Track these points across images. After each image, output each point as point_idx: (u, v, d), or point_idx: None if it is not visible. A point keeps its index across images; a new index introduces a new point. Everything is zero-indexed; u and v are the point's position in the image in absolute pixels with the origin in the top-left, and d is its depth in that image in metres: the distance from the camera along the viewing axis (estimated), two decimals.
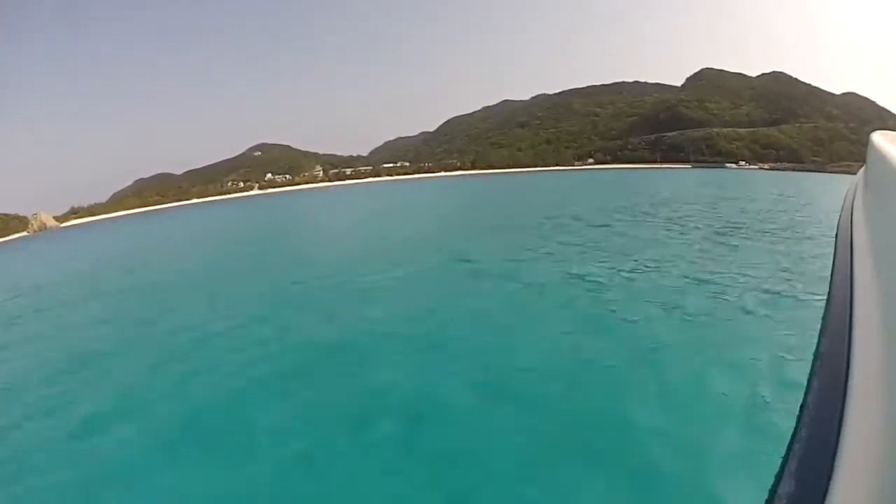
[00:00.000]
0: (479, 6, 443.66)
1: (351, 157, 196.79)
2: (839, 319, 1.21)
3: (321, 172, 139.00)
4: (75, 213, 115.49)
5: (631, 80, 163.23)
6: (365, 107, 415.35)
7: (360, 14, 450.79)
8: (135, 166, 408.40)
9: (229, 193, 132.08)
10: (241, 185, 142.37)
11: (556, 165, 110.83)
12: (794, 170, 74.99)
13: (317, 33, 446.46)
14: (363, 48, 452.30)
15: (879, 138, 2.46)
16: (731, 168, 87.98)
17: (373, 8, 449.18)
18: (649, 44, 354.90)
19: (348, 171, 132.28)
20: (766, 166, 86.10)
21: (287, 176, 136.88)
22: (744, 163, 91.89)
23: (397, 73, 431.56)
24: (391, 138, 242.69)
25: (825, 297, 1.56)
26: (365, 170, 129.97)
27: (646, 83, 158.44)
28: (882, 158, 1.78)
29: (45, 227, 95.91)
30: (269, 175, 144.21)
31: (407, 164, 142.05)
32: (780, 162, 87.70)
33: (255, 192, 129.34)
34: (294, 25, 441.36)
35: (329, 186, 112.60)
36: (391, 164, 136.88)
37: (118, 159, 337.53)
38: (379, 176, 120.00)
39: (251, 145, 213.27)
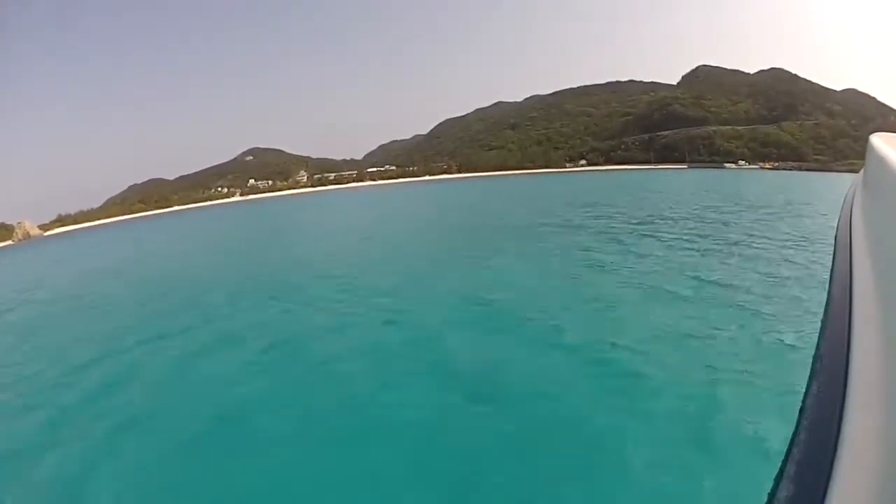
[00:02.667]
0: (474, 9, 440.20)
1: (345, 160, 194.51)
2: (838, 321, 1.19)
3: (305, 178, 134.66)
4: (61, 221, 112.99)
5: (626, 79, 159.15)
6: (360, 111, 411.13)
7: (356, 18, 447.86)
8: (130, 171, 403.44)
9: (211, 200, 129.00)
10: (226, 190, 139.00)
11: (546, 167, 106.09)
12: (799, 169, 70.03)
13: (311, 38, 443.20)
14: (359, 52, 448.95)
15: (878, 140, 2.44)
16: (729, 168, 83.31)
17: (368, 12, 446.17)
18: (646, 43, 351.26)
19: (331, 176, 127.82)
20: (767, 166, 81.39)
21: (269, 182, 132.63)
22: (743, 162, 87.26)
23: (393, 76, 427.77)
24: (386, 141, 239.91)
25: (825, 299, 1.54)
26: (348, 175, 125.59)
27: (641, 82, 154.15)
28: (881, 160, 1.79)
29: (29, 236, 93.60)
30: (251, 181, 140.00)
31: (394, 167, 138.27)
32: (782, 161, 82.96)
33: (237, 198, 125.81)
34: (288, 30, 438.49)
35: (308, 193, 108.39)
36: (374, 169, 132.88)
37: (114, 164, 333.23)
38: (362, 181, 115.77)
39: (244, 150, 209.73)
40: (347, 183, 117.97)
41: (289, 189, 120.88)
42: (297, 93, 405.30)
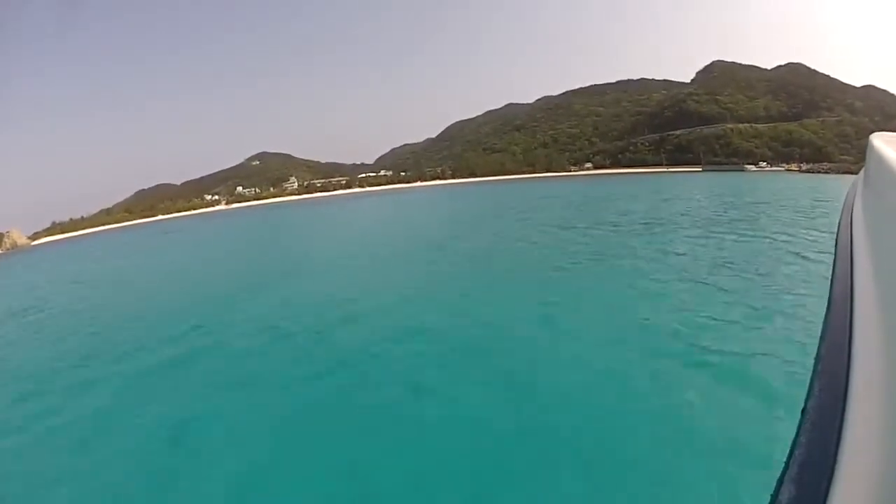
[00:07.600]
0: (484, 12, 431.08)
1: (354, 164, 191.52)
2: (840, 322, 1.19)
3: (294, 185, 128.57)
4: (50, 230, 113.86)
5: (637, 77, 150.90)
6: (373, 114, 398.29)
7: (366, 22, 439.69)
8: (140, 176, 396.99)
9: (196, 209, 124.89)
10: (216, 198, 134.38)
11: (548, 171, 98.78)
12: (837, 171, 61.12)
13: (320, 41, 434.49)
14: (368, 55, 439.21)
15: (878, 140, 2.46)
16: (750, 171, 75.66)
17: (379, 15, 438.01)
18: (658, 41, 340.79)
19: (318, 183, 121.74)
20: (794, 167, 73.54)
21: (256, 190, 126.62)
22: (765, 164, 79.53)
23: (405, 80, 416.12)
24: (398, 145, 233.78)
25: (826, 301, 1.53)
26: (336, 182, 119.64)
27: (653, 80, 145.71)
28: (881, 160, 1.82)
29: (17, 245, 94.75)
30: (238, 189, 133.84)
31: (389, 173, 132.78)
32: (805, 162, 74.96)
33: (221, 207, 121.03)
34: (300, 33, 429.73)
35: (291, 201, 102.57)
36: (364, 175, 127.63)
37: (125, 169, 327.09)
38: (350, 188, 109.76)
39: (252, 154, 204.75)
40: (335, 190, 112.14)
41: (274, 198, 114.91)
42: (308, 96, 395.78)
